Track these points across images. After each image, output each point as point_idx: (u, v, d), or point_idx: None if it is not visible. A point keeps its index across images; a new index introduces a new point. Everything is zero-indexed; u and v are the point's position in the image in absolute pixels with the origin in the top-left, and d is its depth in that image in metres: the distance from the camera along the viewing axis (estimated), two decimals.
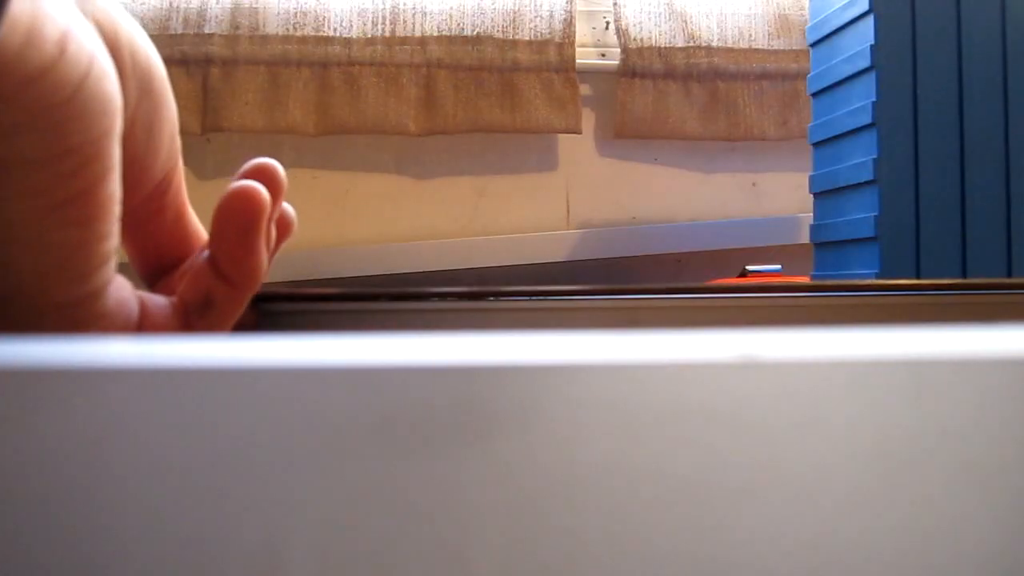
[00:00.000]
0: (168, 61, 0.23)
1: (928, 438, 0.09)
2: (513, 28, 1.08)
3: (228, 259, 0.23)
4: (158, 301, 0.24)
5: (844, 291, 0.31)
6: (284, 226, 0.27)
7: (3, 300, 0.20)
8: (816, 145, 0.84)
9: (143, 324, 0.23)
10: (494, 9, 1.07)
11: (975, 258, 0.72)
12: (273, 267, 0.26)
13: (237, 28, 0.96)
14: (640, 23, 1.18)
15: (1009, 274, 0.72)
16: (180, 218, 0.26)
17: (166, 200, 0.25)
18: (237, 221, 0.23)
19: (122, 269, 0.26)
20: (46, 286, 0.20)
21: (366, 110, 1.00)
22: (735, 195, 1.29)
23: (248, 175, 0.25)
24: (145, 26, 0.88)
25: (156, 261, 0.27)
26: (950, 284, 0.32)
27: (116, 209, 0.21)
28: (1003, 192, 0.72)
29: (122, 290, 0.23)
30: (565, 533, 0.08)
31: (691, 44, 1.20)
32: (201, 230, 0.27)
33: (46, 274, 0.20)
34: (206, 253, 0.24)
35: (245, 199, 0.23)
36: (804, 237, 0.95)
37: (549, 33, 1.10)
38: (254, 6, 0.98)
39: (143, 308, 0.23)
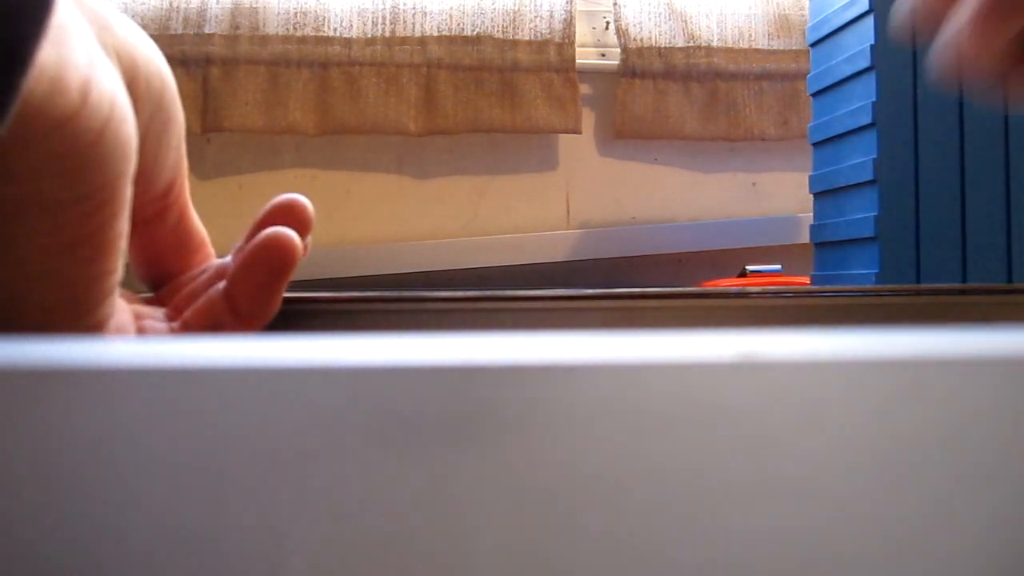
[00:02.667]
0: (168, 61, 0.24)
1: (928, 438, 0.09)
2: (513, 28, 1.08)
3: (248, 299, 0.24)
4: (157, 327, 0.24)
5: (844, 291, 0.31)
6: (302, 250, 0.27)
7: (10, 329, 0.20)
8: (816, 145, 0.84)
9: None
10: (494, 9, 1.07)
11: (975, 258, 0.72)
12: None
13: (237, 28, 0.96)
14: (640, 23, 1.18)
15: (1009, 273, 0.72)
16: (182, 219, 0.26)
17: (168, 202, 0.25)
18: (268, 268, 0.23)
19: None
20: (53, 318, 0.20)
21: (366, 110, 1.00)
22: (735, 195, 1.28)
23: (278, 212, 0.25)
24: (145, 26, 0.88)
25: (159, 264, 0.27)
26: (949, 287, 0.32)
27: (123, 245, 0.21)
28: (1003, 192, 0.72)
29: (121, 314, 0.23)
30: (565, 532, 0.08)
31: (691, 44, 1.20)
32: (203, 232, 0.27)
33: (53, 307, 0.20)
34: (222, 284, 0.24)
35: (279, 247, 0.23)
36: (804, 237, 0.95)
37: (549, 33, 1.10)
38: (254, 6, 0.98)
39: (141, 332, 0.24)
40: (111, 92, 0.19)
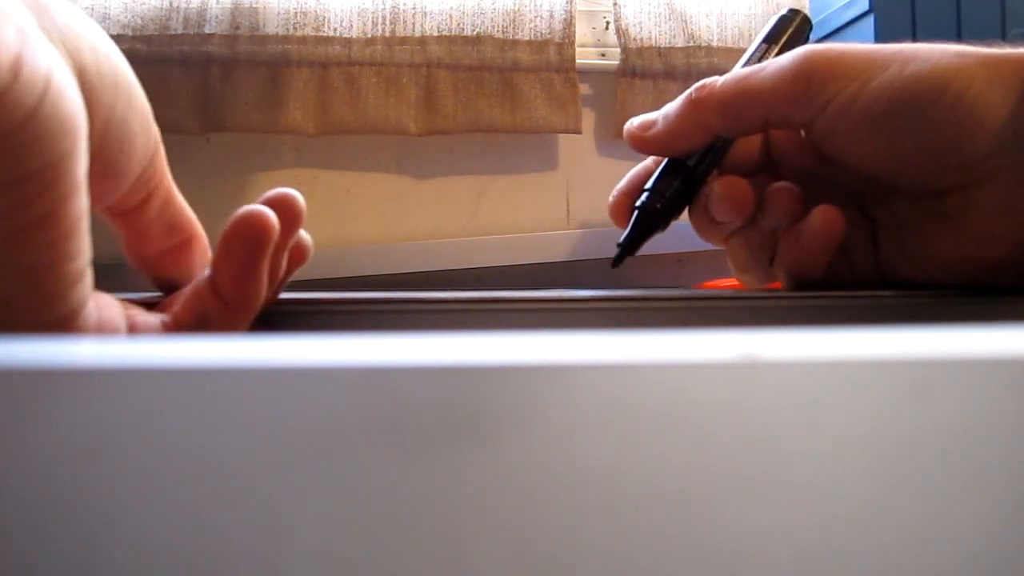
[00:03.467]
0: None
1: (928, 438, 0.09)
2: (513, 28, 1.08)
3: (229, 280, 0.23)
4: (149, 320, 0.24)
5: (844, 292, 0.31)
6: (300, 252, 0.27)
7: None
8: None
9: None
10: (494, 9, 1.07)
11: None
12: None
13: (237, 28, 0.96)
14: (640, 23, 1.18)
15: None
16: (168, 205, 0.26)
17: (149, 189, 0.25)
18: (243, 244, 0.23)
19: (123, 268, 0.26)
20: (18, 310, 0.19)
21: (366, 110, 1.00)
22: None
23: (265, 203, 0.25)
24: (145, 26, 0.87)
25: (152, 258, 0.26)
26: (949, 285, 0.32)
27: (84, 226, 0.20)
28: None
29: (107, 309, 0.22)
30: (565, 533, 0.08)
31: (691, 44, 1.19)
32: (192, 218, 0.27)
33: (17, 298, 0.19)
34: (207, 272, 0.24)
35: (253, 224, 0.23)
36: None
37: (549, 33, 1.10)
38: (254, 6, 0.98)
39: (132, 327, 0.23)
40: (46, 68, 0.19)
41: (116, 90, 0.22)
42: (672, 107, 0.36)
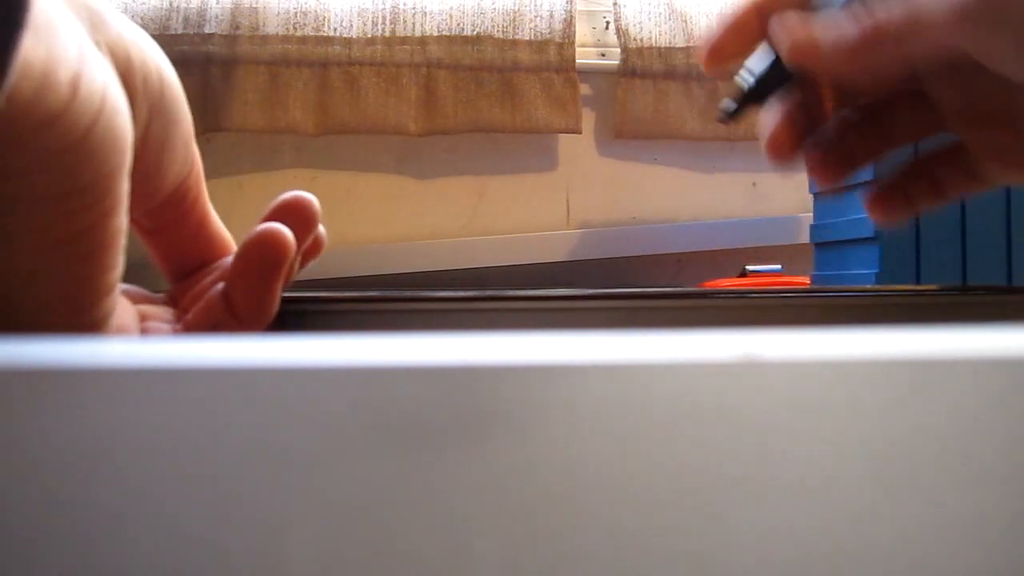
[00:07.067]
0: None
1: (927, 438, 0.09)
2: (513, 28, 1.08)
3: (243, 297, 0.23)
4: (162, 328, 0.24)
5: (844, 291, 0.31)
6: (314, 247, 0.27)
7: (8, 329, 0.20)
8: None
9: None
10: (494, 9, 1.07)
11: (975, 258, 0.72)
12: None
13: (237, 28, 0.96)
14: (640, 23, 1.18)
15: (1009, 273, 0.72)
16: (202, 224, 0.26)
17: (184, 207, 0.25)
18: (259, 264, 0.23)
19: (141, 268, 0.26)
20: (50, 316, 0.20)
21: (366, 110, 1.00)
22: (735, 195, 1.28)
23: (281, 209, 0.25)
24: (145, 26, 0.87)
25: (181, 264, 0.27)
26: (949, 287, 0.32)
27: (121, 241, 0.21)
28: (1003, 191, 0.72)
29: (124, 316, 0.23)
30: (565, 532, 0.08)
31: (691, 44, 1.20)
32: (227, 237, 0.27)
33: (50, 304, 0.20)
34: (220, 285, 0.24)
35: (270, 244, 0.23)
36: (804, 237, 0.95)
37: (549, 33, 1.10)
38: (254, 6, 0.98)
39: (145, 332, 0.23)
40: (102, 84, 0.19)
41: (161, 102, 0.22)
42: (846, 28, 0.24)
